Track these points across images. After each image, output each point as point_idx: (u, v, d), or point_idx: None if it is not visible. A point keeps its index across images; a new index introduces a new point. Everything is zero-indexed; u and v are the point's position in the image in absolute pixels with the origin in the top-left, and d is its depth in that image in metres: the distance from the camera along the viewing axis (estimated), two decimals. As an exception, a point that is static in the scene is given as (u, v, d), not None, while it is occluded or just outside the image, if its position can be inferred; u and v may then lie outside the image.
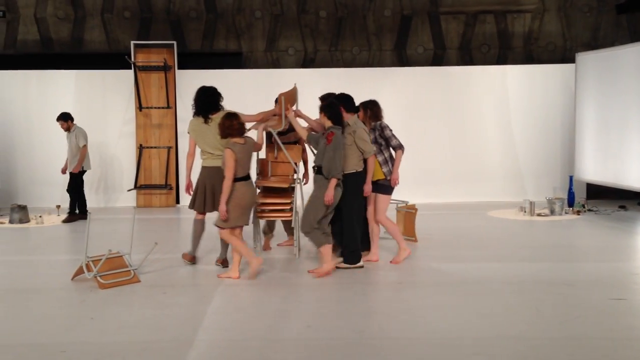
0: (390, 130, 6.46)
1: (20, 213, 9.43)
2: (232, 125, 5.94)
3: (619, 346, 4.18)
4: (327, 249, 6.07)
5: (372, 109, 6.54)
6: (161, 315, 4.96)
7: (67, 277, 6.02)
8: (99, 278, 5.71)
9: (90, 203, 11.23)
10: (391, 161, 6.50)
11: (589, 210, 9.92)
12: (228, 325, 4.74)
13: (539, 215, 9.48)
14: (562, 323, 4.63)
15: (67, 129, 9.64)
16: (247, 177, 6.07)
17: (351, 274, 6.13)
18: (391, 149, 6.52)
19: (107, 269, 5.81)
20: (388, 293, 5.57)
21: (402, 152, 6.44)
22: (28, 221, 9.48)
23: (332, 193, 5.93)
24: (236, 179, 5.94)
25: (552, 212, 9.53)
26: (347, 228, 6.25)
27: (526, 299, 5.27)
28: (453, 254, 6.99)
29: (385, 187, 6.43)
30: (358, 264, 6.32)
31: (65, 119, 9.62)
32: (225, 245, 6.53)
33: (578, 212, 9.71)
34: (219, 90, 6.66)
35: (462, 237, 7.99)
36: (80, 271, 5.88)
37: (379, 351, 4.13)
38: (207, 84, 6.68)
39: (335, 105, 6.13)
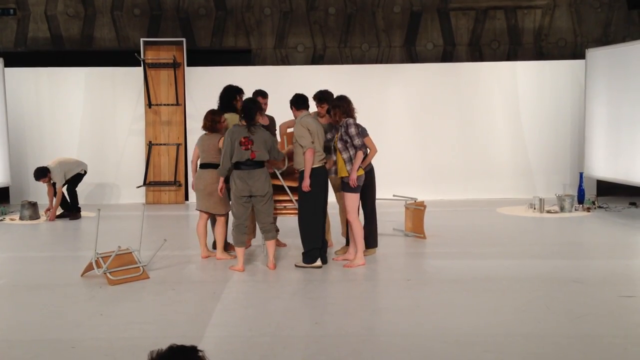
0: (357, 128, 6.06)
1: (31, 210, 9.48)
2: (205, 120, 6.62)
3: (630, 344, 4.16)
4: (240, 251, 6.17)
5: (340, 106, 6.12)
6: (170, 312, 4.98)
7: (77, 273, 6.05)
8: (108, 274, 5.73)
9: (100, 200, 11.32)
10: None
11: (599, 207, 9.86)
12: (237, 321, 4.75)
13: (548, 212, 9.43)
14: (572, 321, 4.60)
15: (50, 180, 9.27)
16: (207, 165, 6.49)
17: (358, 270, 6.14)
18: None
19: (117, 265, 5.84)
20: (397, 290, 5.55)
21: (363, 154, 6.07)
22: (38, 218, 9.53)
23: (217, 186, 6.23)
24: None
25: (562, 209, 9.48)
26: (300, 227, 6.29)
27: (536, 296, 5.24)
28: (462, 251, 6.97)
29: (350, 185, 6.12)
30: (315, 264, 6.23)
31: (45, 174, 9.16)
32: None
33: (588, 209, 9.66)
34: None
35: (472, 234, 7.96)
36: (89, 267, 5.91)
37: (388, 348, 4.13)
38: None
39: (248, 102, 6.16)
